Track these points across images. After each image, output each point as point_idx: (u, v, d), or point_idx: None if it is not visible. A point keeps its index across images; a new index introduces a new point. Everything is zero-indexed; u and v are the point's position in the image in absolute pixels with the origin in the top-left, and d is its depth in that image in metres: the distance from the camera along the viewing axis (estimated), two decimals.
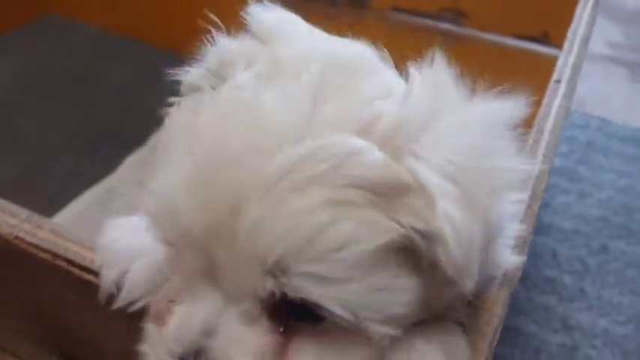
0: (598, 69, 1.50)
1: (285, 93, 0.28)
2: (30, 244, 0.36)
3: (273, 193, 0.26)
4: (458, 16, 1.08)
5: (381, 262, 0.27)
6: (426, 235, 0.27)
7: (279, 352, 0.29)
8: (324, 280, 0.26)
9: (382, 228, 0.27)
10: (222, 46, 0.34)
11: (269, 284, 0.27)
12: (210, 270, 0.28)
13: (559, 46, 0.97)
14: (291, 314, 0.28)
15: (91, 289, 0.34)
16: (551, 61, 0.99)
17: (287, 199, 0.26)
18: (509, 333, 0.89)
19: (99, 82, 1.25)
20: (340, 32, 1.35)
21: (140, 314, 0.33)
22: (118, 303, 0.33)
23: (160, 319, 0.31)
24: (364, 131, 0.28)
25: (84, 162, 1.05)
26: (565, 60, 0.53)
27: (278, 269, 0.26)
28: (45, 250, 0.35)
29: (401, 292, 0.28)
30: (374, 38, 1.23)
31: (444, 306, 0.31)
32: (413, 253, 0.28)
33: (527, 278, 0.97)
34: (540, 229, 1.05)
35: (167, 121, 0.32)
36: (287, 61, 0.30)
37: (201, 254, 0.28)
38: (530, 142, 0.44)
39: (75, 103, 1.20)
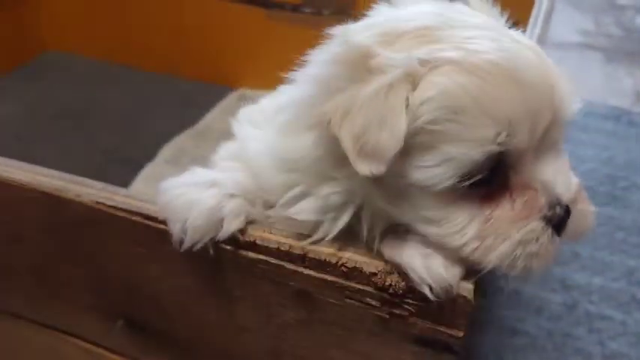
0: (573, 55, 1.58)
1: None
2: (110, 206, 0.43)
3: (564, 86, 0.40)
4: None
5: None
6: None
7: None
8: None
9: None
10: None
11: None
12: (537, 144, 0.39)
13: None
14: None
15: (166, 236, 0.41)
16: None
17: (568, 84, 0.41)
18: (510, 296, 0.95)
19: (101, 110, 1.32)
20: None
21: (203, 260, 0.40)
22: (185, 245, 0.41)
23: (522, 216, 0.39)
24: None
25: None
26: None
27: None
28: (123, 210, 0.43)
29: None
30: None
31: None
32: None
33: None
34: None
35: (437, 92, 0.37)
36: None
37: (540, 137, 0.39)
38: None
39: (81, 131, 1.27)
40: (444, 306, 0.36)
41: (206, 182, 0.42)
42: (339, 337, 0.41)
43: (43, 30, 1.53)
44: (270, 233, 0.40)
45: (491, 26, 0.41)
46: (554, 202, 0.39)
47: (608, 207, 1.12)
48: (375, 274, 0.36)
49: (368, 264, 0.37)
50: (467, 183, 0.36)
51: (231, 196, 0.41)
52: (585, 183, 1.25)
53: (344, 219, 0.40)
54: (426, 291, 0.36)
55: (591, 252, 1.03)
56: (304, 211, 0.41)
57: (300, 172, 0.41)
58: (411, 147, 0.36)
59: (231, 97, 1.31)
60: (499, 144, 0.36)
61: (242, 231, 0.40)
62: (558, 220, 0.39)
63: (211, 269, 0.43)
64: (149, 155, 1.17)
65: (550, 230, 0.39)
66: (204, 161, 0.48)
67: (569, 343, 0.91)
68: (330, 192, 0.40)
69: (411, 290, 0.36)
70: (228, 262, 0.41)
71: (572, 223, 0.40)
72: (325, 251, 0.38)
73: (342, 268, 0.37)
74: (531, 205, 0.38)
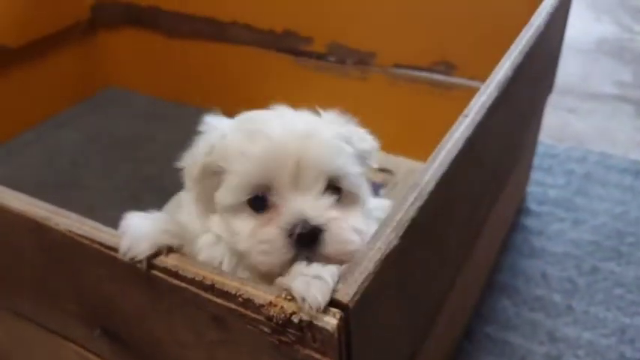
0: (603, 107, 1.58)
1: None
2: (78, 234, 0.54)
3: (314, 146, 0.56)
4: (448, 67, 1.23)
5: None
6: None
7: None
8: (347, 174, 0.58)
9: None
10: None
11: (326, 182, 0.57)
12: (293, 182, 0.55)
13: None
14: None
15: (116, 262, 0.51)
16: None
17: (324, 147, 0.57)
18: (497, 345, 0.98)
19: (150, 142, 1.47)
20: (349, 86, 1.55)
21: (147, 285, 0.51)
22: (127, 256, 0.51)
23: (265, 224, 0.55)
24: None
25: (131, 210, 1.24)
26: (478, 98, 0.65)
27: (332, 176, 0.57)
28: (87, 238, 0.53)
29: None
30: (377, 89, 1.45)
31: None
32: None
33: (517, 296, 1.05)
34: (532, 254, 1.14)
35: (221, 148, 0.61)
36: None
37: (291, 176, 0.55)
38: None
39: (128, 160, 1.41)
40: (315, 336, 0.42)
41: (158, 218, 0.55)
42: (251, 358, 0.48)
43: (106, 68, 1.72)
44: (192, 266, 0.48)
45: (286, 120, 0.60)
46: (297, 222, 0.53)
47: (611, 262, 1.11)
48: (263, 305, 0.44)
49: (258, 296, 0.44)
50: (244, 200, 0.56)
51: (166, 230, 0.51)
52: (591, 237, 1.25)
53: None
54: (306, 307, 0.43)
55: (586, 306, 1.04)
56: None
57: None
58: (217, 182, 0.58)
59: None
60: (257, 177, 0.55)
61: (170, 262, 0.49)
62: (298, 235, 0.52)
63: (153, 293, 0.52)
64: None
65: (287, 240, 0.53)
66: None
67: None
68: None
69: (290, 321, 0.43)
70: (163, 287, 0.50)
71: (329, 244, 0.53)
72: (227, 283, 0.45)
73: (240, 298, 0.44)
74: (277, 220, 0.54)
